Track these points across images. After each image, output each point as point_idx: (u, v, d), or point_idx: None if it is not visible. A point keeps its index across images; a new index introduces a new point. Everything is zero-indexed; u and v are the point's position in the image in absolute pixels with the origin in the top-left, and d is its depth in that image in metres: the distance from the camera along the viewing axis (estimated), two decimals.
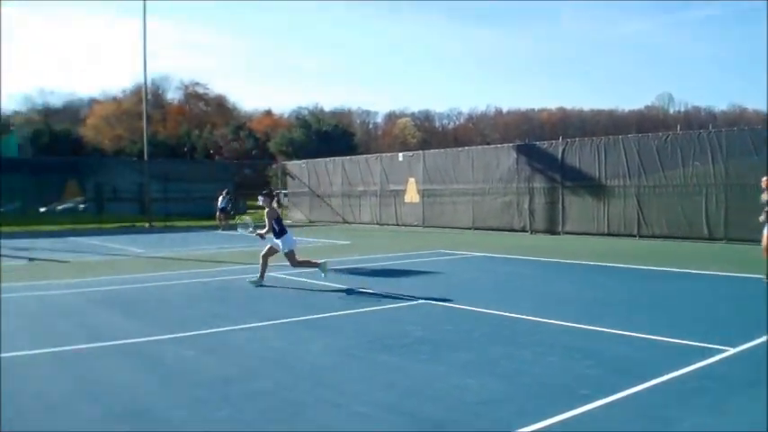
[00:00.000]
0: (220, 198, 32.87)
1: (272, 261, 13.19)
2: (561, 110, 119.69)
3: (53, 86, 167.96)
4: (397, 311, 10.22)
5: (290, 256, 12.77)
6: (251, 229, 13.48)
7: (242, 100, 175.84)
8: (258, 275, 12.77)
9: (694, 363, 6.78)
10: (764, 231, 12.49)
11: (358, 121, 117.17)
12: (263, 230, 12.87)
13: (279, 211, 13.49)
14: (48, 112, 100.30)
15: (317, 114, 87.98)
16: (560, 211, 26.52)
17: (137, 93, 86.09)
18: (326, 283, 12.88)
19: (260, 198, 13.00)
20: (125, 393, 6.10)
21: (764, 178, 12.66)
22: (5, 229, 29.53)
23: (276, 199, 13.45)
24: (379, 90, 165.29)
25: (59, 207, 43.39)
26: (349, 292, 12.13)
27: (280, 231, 12.82)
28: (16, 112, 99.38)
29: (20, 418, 5.43)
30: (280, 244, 12.78)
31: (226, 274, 14.91)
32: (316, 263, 13.14)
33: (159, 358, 7.37)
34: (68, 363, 7.26)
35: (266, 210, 12.79)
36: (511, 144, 31.20)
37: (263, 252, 12.92)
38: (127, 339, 8.29)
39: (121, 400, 5.88)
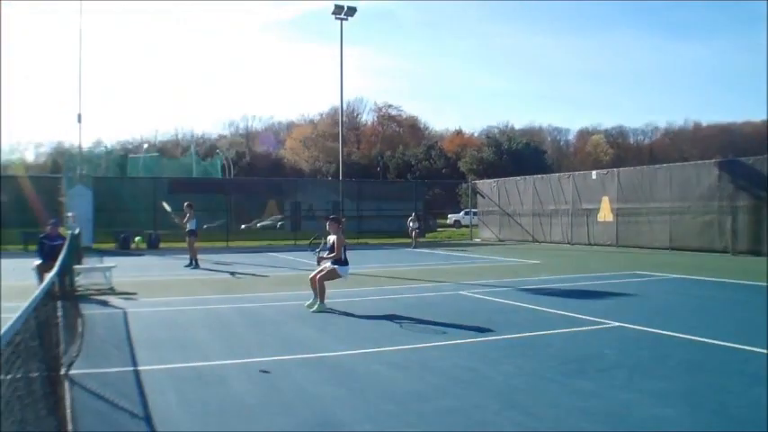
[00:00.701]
0: (410, 219, 33.93)
1: (463, 279, 13.15)
2: (766, 122, 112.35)
3: (255, 112, 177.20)
4: (590, 334, 9.98)
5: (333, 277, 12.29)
6: (318, 251, 12.88)
7: (433, 120, 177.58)
8: (318, 299, 12.14)
9: None
10: None
11: (549, 139, 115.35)
12: (331, 255, 12.35)
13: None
14: (250, 136, 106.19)
15: (508, 133, 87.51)
16: (766, 231, 24.88)
17: (332, 116, 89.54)
18: (518, 303, 12.80)
19: (328, 223, 12.57)
20: (317, 405, 6.31)
21: None
22: (211, 244, 31.38)
23: (342, 225, 12.89)
24: (570, 107, 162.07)
25: (259, 224, 45.72)
26: (539, 312, 11.96)
27: (345, 260, 12.41)
28: (221, 137, 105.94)
29: (216, 425, 5.76)
30: (344, 271, 12.39)
31: (414, 291, 15.08)
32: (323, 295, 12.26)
33: (350, 372, 7.56)
34: (262, 373, 7.55)
35: (337, 235, 12.38)
36: (712, 160, 29.69)
37: (323, 275, 12.21)
38: (319, 353, 8.56)
39: (313, 412, 6.09)
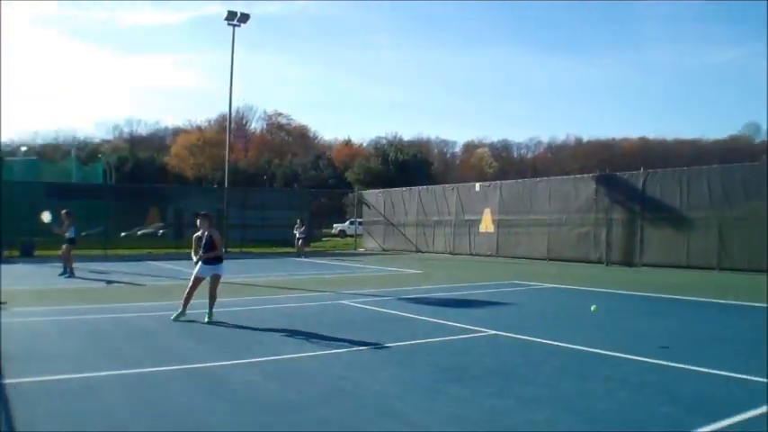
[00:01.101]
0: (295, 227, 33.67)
1: (345, 288, 13.04)
2: (643, 139, 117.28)
3: (140, 116, 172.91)
4: (467, 342, 10.05)
5: (218, 280, 11.98)
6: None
7: (322, 130, 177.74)
8: (210, 309, 11.77)
9: None
10: None
11: (436, 151, 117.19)
12: (212, 254, 11.86)
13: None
14: (134, 141, 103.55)
15: (396, 144, 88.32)
16: (639, 243, 25.88)
17: (220, 122, 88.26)
18: (398, 312, 12.83)
19: (198, 220, 11.95)
20: (191, 417, 6.12)
21: None
22: (87, 252, 30.29)
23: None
24: (457, 120, 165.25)
25: (139, 232, 44.47)
26: (419, 321, 12.00)
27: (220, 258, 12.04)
28: (104, 141, 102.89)
29: None
30: (223, 270, 12.11)
31: (294, 300, 14.89)
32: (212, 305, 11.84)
33: (225, 383, 7.36)
34: (136, 385, 7.31)
35: (213, 231, 11.91)
36: (590, 174, 30.67)
37: (192, 287, 11.92)
38: (195, 364, 8.35)
39: (188, 425, 5.90)
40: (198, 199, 47.98)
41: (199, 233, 11.94)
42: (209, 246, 11.79)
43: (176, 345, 9.74)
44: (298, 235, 33.66)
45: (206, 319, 11.47)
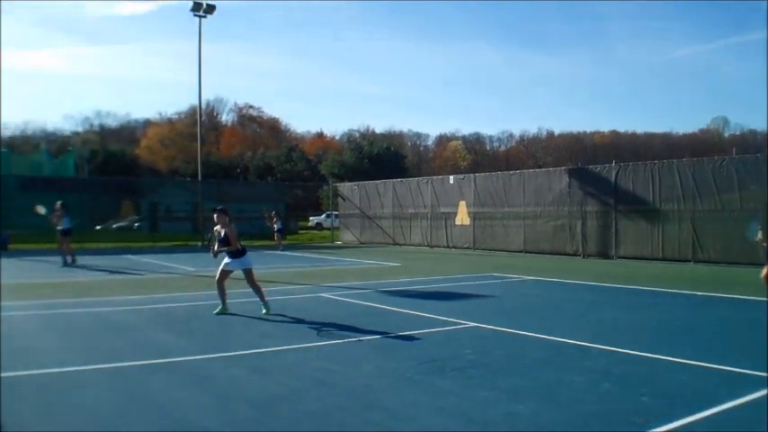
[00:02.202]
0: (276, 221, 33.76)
1: (324, 281, 13.11)
2: (614, 133, 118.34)
3: (110, 108, 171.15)
4: (448, 334, 10.16)
5: (251, 273, 12.19)
6: (209, 245, 12.72)
7: (294, 122, 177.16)
8: (223, 303, 12.08)
9: (751, 393, 6.60)
10: None
11: (409, 144, 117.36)
12: (226, 248, 12.07)
13: None
14: (104, 133, 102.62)
15: (369, 137, 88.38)
16: (613, 235, 26.21)
17: (191, 115, 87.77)
18: (378, 305, 12.94)
19: (216, 215, 12.10)
20: (176, 411, 6.17)
21: None
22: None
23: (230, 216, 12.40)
24: (429, 113, 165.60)
25: (114, 225, 44.24)
26: (399, 314, 12.13)
27: (243, 250, 12.25)
28: (74, 133, 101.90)
29: None
30: (248, 261, 12.22)
31: (275, 294, 14.95)
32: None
33: (209, 377, 7.42)
34: (119, 380, 7.36)
35: (228, 227, 12.01)
36: (563, 167, 30.96)
37: (220, 278, 12.15)
38: (178, 357, 8.40)
39: (172, 417, 5.96)
40: (172, 192, 47.85)
41: (217, 227, 12.14)
42: (224, 242, 12.00)
43: (157, 338, 9.78)
44: (276, 227, 33.84)
45: (263, 311, 11.74)
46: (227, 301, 12.13)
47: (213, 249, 12.31)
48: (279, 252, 30.97)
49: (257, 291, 12.07)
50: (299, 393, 6.72)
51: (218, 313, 11.85)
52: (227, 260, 12.16)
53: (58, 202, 22.51)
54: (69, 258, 22.13)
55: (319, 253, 31.22)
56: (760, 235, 12.33)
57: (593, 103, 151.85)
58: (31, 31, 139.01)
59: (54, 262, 22.36)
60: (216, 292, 12.17)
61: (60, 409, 6.19)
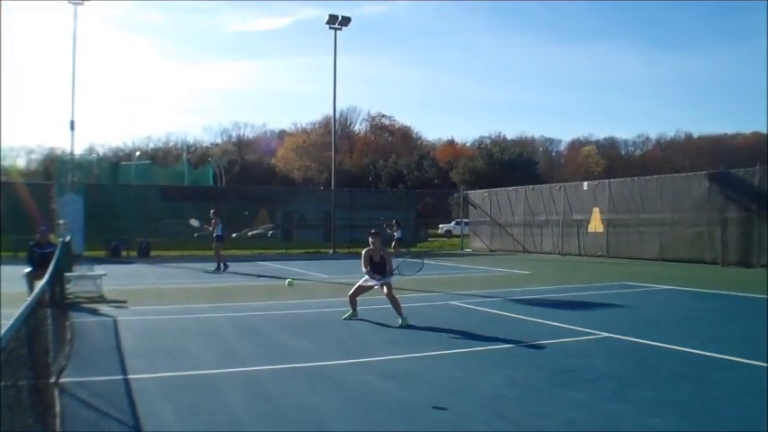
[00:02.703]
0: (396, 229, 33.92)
1: (454, 289, 13.06)
2: (756, 134, 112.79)
3: (247, 119, 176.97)
4: (579, 345, 10.01)
5: (390, 287, 12.22)
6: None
7: (426, 130, 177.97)
8: (353, 311, 12.48)
9: None
10: None
11: (541, 150, 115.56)
12: (386, 271, 12.37)
13: None
14: (241, 144, 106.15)
15: (500, 143, 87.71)
16: (756, 243, 24.99)
17: (325, 125, 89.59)
18: (508, 314, 12.86)
19: (372, 239, 12.33)
20: (308, 414, 6.33)
21: None
22: (201, 252, 31.39)
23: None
24: (562, 118, 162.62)
25: (250, 233, 45.62)
26: (528, 323, 12.01)
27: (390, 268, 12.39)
28: (213, 144, 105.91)
29: None
30: (383, 278, 12.29)
31: (404, 301, 14.96)
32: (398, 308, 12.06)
33: (341, 382, 7.56)
34: (253, 383, 7.59)
35: (383, 251, 12.46)
36: (703, 172, 29.83)
37: (356, 292, 12.55)
38: (309, 362, 8.58)
39: (304, 422, 6.12)
40: (306, 200, 48.93)
41: (371, 250, 12.40)
42: (381, 265, 12.30)
43: (291, 344, 10.04)
44: (396, 236, 34.02)
45: (399, 322, 11.61)
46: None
47: (372, 276, 12.39)
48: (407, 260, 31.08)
49: (394, 302, 11.99)
50: (429, 400, 6.75)
51: (347, 318, 12.14)
52: (367, 277, 12.34)
53: (212, 211, 23.83)
54: (222, 265, 23.12)
55: (448, 260, 31.22)
56: None
57: (734, 104, 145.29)
58: (172, 47, 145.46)
59: (191, 268, 23.29)
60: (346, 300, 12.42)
61: (196, 410, 6.45)
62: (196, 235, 30.62)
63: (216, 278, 21.12)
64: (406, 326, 11.45)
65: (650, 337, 10.30)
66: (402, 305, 12.00)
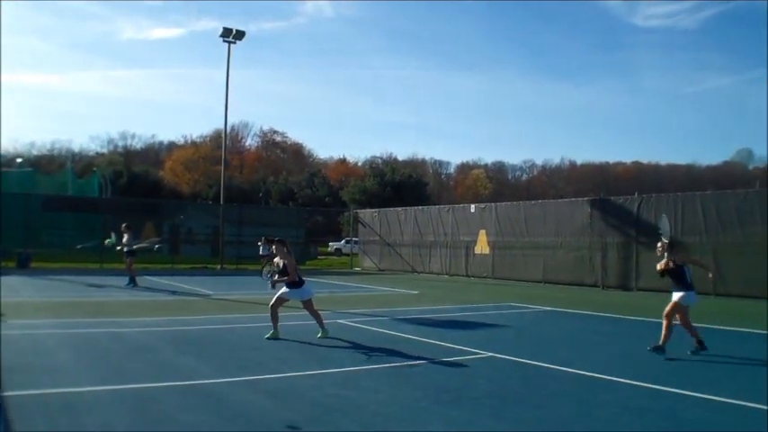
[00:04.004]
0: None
1: (341, 308, 13.06)
2: (636, 164, 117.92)
3: (135, 130, 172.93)
4: (464, 364, 10.06)
5: (310, 303, 12.35)
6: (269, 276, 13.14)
7: (318, 148, 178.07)
8: (275, 329, 12.09)
9: None
10: None
11: (431, 171, 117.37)
12: (284, 279, 12.14)
13: None
14: (129, 155, 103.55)
15: (391, 163, 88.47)
16: (634, 267, 25.98)
17: (215, 138, 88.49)
18: (395, 333, 12.86)
19: (266, 247, 12.65)
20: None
21: None
22: (84, 265, 30.39)
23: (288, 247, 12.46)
24: (452, 141, 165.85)
25: (135, 246, 44.42)
26: (415, 342, 12.03)
27: (301, 280, 12.28)
28: (100, 154, 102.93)
29: None
30: (308, 292, 12.34)
31: (291, 319, 14.89)
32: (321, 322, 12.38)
33: (224, 400, 7.38)
34: (134, 400, 7.32)
35: (288, 258, 12.09)
36: (585, 198, 30.86)
37: (275, 303, 12.22)
38: (193, 380, 8.36)
39: None
40: (194, 214, 48.06)
41: (276, 259, 12.40)
42: (284, 272, 12.10)
43: (175, 361, 9.76)
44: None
45: (318, 335, 11.91)
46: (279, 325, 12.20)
47: (273, 280, 12.57)
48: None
49: (316, 317, 12.25)
50: (311, 419, 6.67)
51: (269, 338, 11.82)
52: (285, 289, 12.20)
53: (124, 225, 23.15)
54: (133, 279, 22.53)
55: (337, 279, 31.14)
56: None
57: (617, 134, 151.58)
58: (63, 52, 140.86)
59: (72, 281, 22.42)
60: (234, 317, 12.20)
61: (74, 429, 6.16)
62: (79, 247, 29.64)
63: (98, 292, 20.44)
64: (289, 340, 11.38)
65: (534, 356, 10.46)
66: (282, 323, 11.93)
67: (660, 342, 10.78)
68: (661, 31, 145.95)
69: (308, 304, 12.27)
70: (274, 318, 12.11)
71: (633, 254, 26.09)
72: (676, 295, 11.12)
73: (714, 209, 23.57)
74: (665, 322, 10.99)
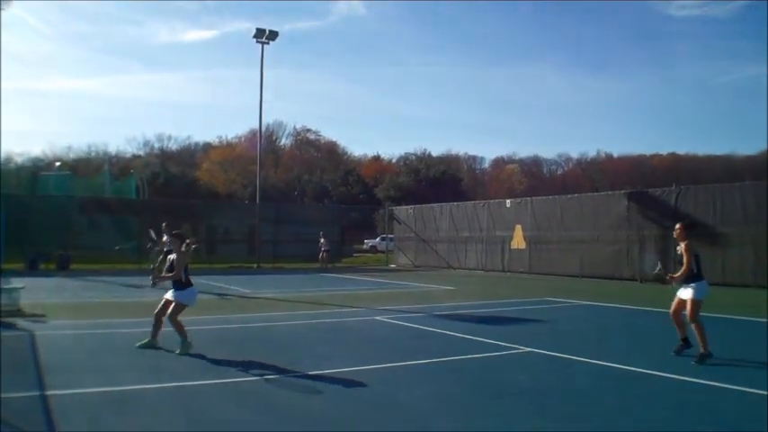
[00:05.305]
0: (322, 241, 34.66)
1: (379, 304, 13.07)
2: (673, 155, 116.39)
3: (171, 132, 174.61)
4: (502, 359, 10.11)
5: (178, 308, 10.37)
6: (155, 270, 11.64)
7: (351, 146, 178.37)
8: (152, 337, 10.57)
9: None
10: None
11: (465, 167, 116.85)
12: (169, 276, 10.59)
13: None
14: (165, 156, 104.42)
15: (425, 160, 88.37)
16: (672, 260, 25.70)
17: (250, 138, 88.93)
18: (432, 329, 12.92)
19: (166, 239, 11.20)
20: (223, 427, 6.30)
21: None
22: (122, 266, 30.80)
23: (186, 243, 10.98)
24: (485, 136, 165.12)
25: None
26: (453, 338, 12.08)
27: (188, 282, 10.69)
28: (136, 156, 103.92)
29: None
30: (189, 296, 10.67)
31: (328, 316, 14.99)
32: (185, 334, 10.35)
33: (266, 397, 7.51)
34: (175, 398, 7.48)
35: (178, 253, 10.56)
36: (622, 191, 30.63)
37: (164, 310, 10.45)
38: (233, 378, 8.47)
39: None
40: (230, 214, 48.37)
41: (171, 256, 10.85)
42: (170, 269, 10.69)
43: (214, 359, 9.80)
44: (323, 248, 34.74)
45: (177, 351, 10.08)
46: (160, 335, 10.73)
47: (155, 275, 11.32)
48: (326, 274, 31.23)
49: (176, 327, 10.33)
50: (356, 416, 6.76)
51: (140, 346, 10.42)
52: (170, 290, 10.66)
53: (164, 224, 22.84)
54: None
55: (373, 276, 31.23)
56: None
57: (653, 126, 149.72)
58: (99, 57, 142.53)
59: (112, 282, 22.67)
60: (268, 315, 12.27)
61: (117, 428, 6.31)
62: (117, 248, 30.02)
63: (136, 292, 20.70)
64: (325, 334, 11.40)
65: (573, 351, 10.48)
66: (319, 320, 11.98)
67: (702, 349, 9.73)
68: (693, 20, 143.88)
69: (175, 308, 10.31)
70: (158, 325, 10.57)
71: (671, 246, 25.81)
72: (689, 292, 10.25)
73: (753, 199, 23.28)
74: (694, 326, 9.90)
